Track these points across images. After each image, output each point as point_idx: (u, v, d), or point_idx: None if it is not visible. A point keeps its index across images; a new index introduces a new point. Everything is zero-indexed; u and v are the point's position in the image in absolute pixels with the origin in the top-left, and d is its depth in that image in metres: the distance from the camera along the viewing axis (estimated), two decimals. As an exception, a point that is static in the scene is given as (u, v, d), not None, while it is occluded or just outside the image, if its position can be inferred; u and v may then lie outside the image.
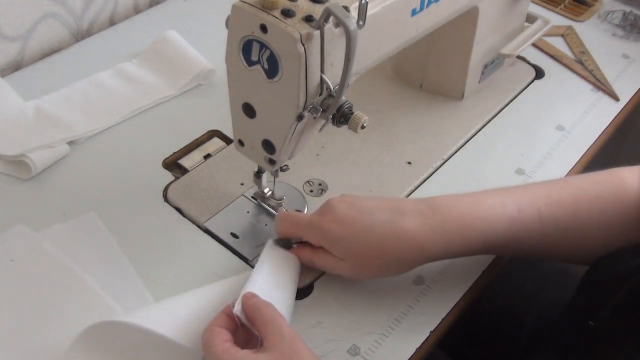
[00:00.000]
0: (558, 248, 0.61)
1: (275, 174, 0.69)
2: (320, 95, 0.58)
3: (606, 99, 0.93)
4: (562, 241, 0.60)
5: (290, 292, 0.63)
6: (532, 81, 0.95)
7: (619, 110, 0.91)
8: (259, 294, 0.57)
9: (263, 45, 0.55)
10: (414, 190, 0.78)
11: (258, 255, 0.69)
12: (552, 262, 0.69)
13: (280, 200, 0.73)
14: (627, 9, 1.09)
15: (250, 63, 0.57)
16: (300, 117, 0.58)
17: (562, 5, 1.09)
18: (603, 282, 0.58)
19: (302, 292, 0.66)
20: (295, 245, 0.66)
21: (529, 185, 0.64)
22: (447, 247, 0.59)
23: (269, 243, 0.65)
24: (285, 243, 0.66)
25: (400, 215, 0.59)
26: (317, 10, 0.54)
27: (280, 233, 0.65)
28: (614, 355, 0.53)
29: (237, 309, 0.57)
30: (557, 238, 0.60)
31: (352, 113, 0.60)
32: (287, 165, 0.67)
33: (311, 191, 0.77)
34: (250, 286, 0.59)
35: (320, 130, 0.64)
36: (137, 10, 1.05)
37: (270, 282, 0.61)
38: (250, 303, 0.56)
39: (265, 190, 0.73)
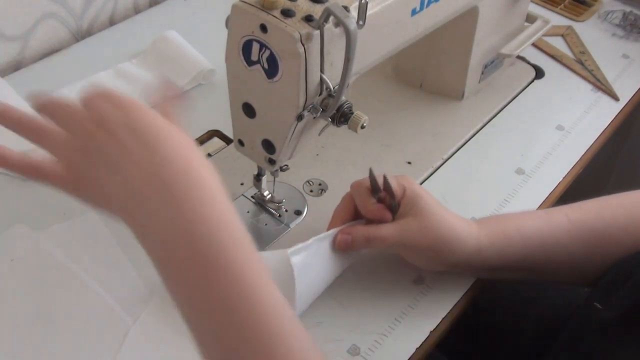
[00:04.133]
0: (588, 253, 0.62)
1: (275, 174, 0.69)
2: (320, 95, 0.58)
3: (606, 99, 0.93)
4: (591, 244, 0.62)
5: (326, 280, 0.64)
6: (532, 81, 0.95)
7: (619, 110, 0.91)
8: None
9: (263, 45, 0.55)
10: (414, 190, 0.78)
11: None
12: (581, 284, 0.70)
13: (279, 203, 0.73)
14: (627, 9, 1.09)
15: (250, 63, 0.57)
16: (300, 117, 0.58)
17: (562, 5, 1.09)
18: (619, 270, 0.59)
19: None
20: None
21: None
22: (490, 241, 0.62)
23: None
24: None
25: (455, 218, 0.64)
26: (317, 10, 0.54)
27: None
28: (622, 342, 0.53)
29: None
30: (586, 240, 0.62)
31: (352, 113, 0.60)
32: (287, 165, 0.67)
33: (311, 191, 0.77)
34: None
35: (320, 133, 0.64)
36: (137, 10, 1.05)
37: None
38: None
39: (265, 193, 0.73)
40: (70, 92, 0.85)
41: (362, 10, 0.54)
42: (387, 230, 0.62)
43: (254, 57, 0.57)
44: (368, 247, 0.63)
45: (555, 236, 0.62)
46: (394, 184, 0.62)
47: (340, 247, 0.62)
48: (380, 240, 0.62)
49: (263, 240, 0.70)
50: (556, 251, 0.62)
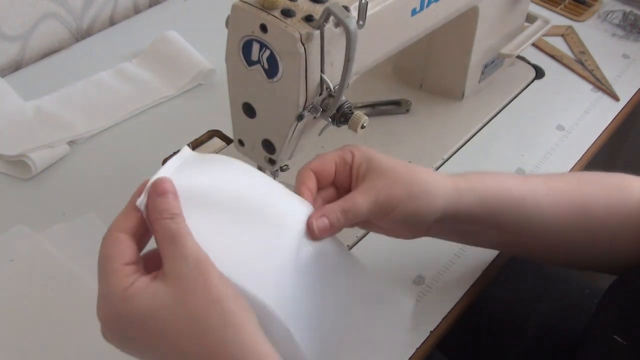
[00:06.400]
0: (568, 224, 0.59)
1: (275, 174, 0.69)
2: (320, 95, 0.58)
3: (606, 99, 0.93)
4: (571, 214, 0.59)
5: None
6: (532, 81, 0.95)
7: (619, 110, 0.91)
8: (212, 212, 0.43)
9: (263, 45, 0.55)
10: (414, 190, 0.78)
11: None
12: (560, 264, 0.68)
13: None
14: (627, 9, 1.09)
15: (250, 63, 0.57)
16: (300, 117, 0.58)
17: (562, 5, 1.09)
18: (635, 298, 0.57)
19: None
20: None
21: None
22: (469, 186, 0.57)
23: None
24: None
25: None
26: (317, 10, 0.54)
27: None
28: None
29: (140, 201, 0.41)
30: (565, 208, 0.59)
31: (352, 113, 0.60)
32: (287, 165, 0.67)
33: (311, 191, 0.77)
34: (184, 177, 0.43)
35: (320, 133, 0.64)
36: (137, 10, 1.05)
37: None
38: (155, 201, 0.43)
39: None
40: (71, 92, 0.85)
41: (362, 10, 0.54)
42: (358, 195, 0.54)
43: (254, 57, 0.57)
44: (345, 223, 0.54)
45: (535, 195, 0.58)
46: (336, 156, 0.57)
47: (321, 233, 0.52)
48: (355, 208, 0.54)
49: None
50: (535, 212, 0.58)
